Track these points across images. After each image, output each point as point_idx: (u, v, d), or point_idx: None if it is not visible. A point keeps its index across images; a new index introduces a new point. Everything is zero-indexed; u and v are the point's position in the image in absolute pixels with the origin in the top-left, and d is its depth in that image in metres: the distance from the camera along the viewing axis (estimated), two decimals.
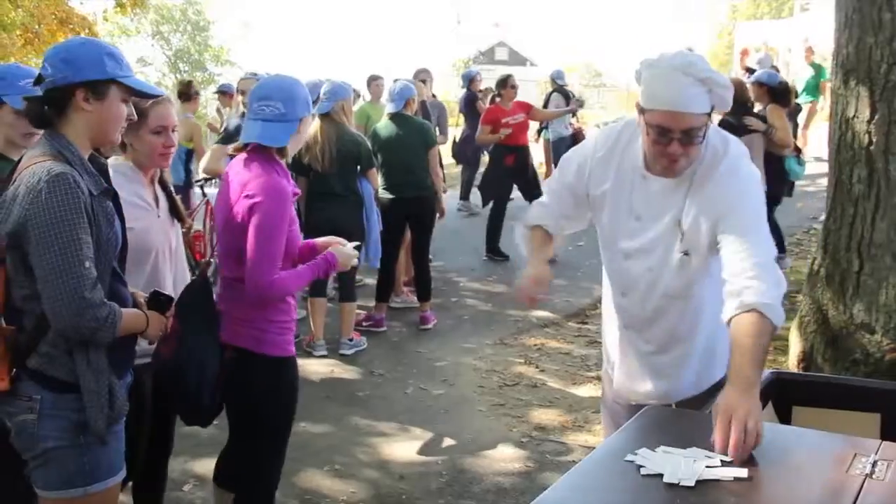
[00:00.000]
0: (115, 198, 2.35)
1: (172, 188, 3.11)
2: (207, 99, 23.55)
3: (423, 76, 8.89)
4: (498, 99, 8.56)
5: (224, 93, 10.82)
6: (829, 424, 2.37)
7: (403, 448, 4.43)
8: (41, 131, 2.30)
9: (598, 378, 5.37)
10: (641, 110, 2.29)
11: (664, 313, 2.49)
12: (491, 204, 8.54)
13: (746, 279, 2.13)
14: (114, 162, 2.80)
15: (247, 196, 2.80)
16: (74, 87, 2.20)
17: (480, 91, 10.85)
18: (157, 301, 2.52)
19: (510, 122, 8.30)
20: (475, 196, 11.65)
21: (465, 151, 10.53)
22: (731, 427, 1.90)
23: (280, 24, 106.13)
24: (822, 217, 4.26)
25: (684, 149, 2.25)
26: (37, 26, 13.30)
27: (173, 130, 2.86)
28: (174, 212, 2.98)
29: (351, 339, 5.96)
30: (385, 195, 6.21)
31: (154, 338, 2.51)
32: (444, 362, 5.81)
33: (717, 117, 2.59)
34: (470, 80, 10.87)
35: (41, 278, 2.12)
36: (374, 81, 8.83)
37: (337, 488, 3.97)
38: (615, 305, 2.62)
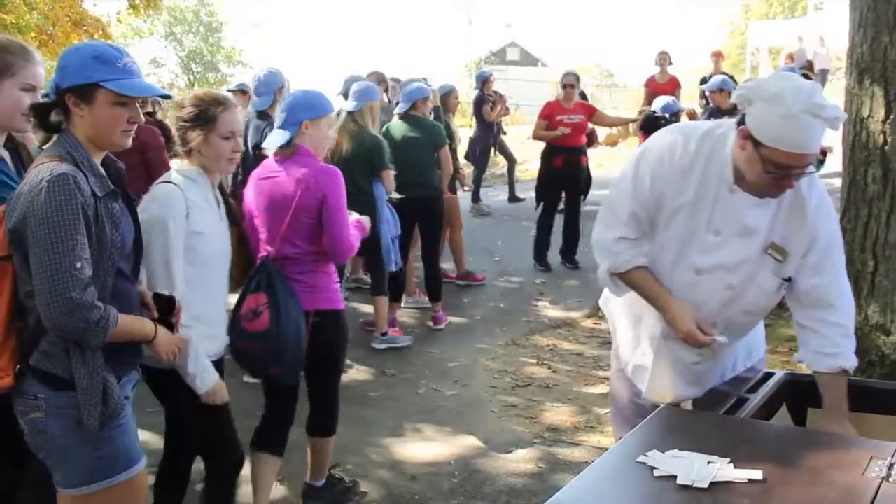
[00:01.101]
0: (126, 199, 2.36)
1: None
2: None
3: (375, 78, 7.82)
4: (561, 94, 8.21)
5: (243, 92, 10.77)
6: (845, 427, 2.36)
7: (416, 448, 4.43)
8: None
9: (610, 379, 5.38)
10: (753, 140, 2.23)
11: (734, 326, 2.53)
12: (540, 208, 8.26)
13: (842, 337, 2.44)
14: (179, 166, 2.87)
15: (310, 186, 3.33)
16: (65, 93, 2.23)
17: (494, 92, 10.74)
18: (162, 301, 2.51)
19: (566, 120, 8.00)
20: (486, 196, 11.68)
21: (474, 151, 10.51)
22: None
23: (292, 24, 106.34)
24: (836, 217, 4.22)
25: (796, 180, 2.28)
26: (51, 28, 13.36)
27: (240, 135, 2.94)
28: (230, 214, 3.03)
29: (384, 334, 5.97)
30: (394, 195, 6.23)
31: (163, 357, 2.44)
32: (456, 363, 5.81)
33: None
34: (483, 81, 10.66)
35: (35, 276, 2.13)
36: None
37: None
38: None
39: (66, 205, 2.11)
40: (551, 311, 7.04)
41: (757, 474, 1.81)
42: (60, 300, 2.10)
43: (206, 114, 2.83)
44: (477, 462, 4.24)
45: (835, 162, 5.23)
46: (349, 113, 5.70)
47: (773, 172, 2.22)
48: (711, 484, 1.78)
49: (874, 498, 1.73)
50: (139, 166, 4.89)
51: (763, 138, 2.20)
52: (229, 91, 7.97)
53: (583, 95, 10.11)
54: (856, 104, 3.91)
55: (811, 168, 2.27)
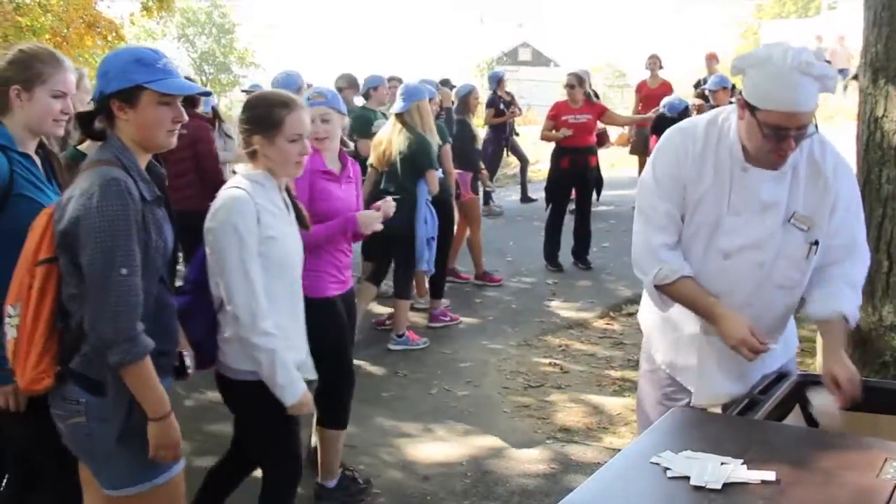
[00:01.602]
0: (166, 205, 2.37)
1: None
2: (233, 101, 23.76)
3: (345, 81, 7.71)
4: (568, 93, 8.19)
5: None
6: (858, 428, 2.34)
7: (428, 449, 4.44)
8: None
9: (623, 379, 5.37)
10: (749, 107, 2.28)
11: (772, 306, 2.54)
12: (549, 209, 8.26)
13: (845, 286, 2.45)
14: (245, 171, 2.77)
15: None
16: (109, 98, 2.24)
17: (507, 93, 10.70)
18: (180, 365, 2.48)
19: (570, 121, 7.99)
20: (498, 197, 11.69)
21: (486, 152, 10.50)
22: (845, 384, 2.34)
23: (304, 25, 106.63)
24: None
25: (797, 143, 2.29)
26: (65, 30, 13.43)
27: (307, 137, 2.83)
28: (299, 218, 2.93)
29: (401, 336, 5.98)
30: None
31: (152, 450, 2.27)
32: (468, 363, 5.81)
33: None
34: (497, 82, 10.51)
35: (86, 280, 2.15)
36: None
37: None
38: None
39: (118, 210, 2.13)
40: (563, 312, 7.03)
41: (770, 475, 1.80)
42: (105, 306, 2.12)
43: (270, 117, 2.73)
44: (489, 462, 4.24)
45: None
46: (397, 114, 5.73)
47: (771, 136, 2.26)
48: (724, 485, 1.77)
49: (889, 500, 1.72)
50: (190, 160, 5.02)
51: (756, 102, 2.25)
52: (243, 91, 7.98)
53: (595, 95, 10.05)
54: (870, 104, 3.89)
55: (811, 129, 2.28)
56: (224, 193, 2.72)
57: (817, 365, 4.49)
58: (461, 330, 6.54)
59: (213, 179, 5.21)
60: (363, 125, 6.60)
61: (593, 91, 9.02)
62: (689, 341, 2.62)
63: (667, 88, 10.32)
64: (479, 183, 8.07)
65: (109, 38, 14.36)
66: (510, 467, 4.19)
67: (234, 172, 2.90)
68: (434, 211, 5.89)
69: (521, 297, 7.41)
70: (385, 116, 6.49)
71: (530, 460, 4.28)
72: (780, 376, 2.54)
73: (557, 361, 5.86)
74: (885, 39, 3.77)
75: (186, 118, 2.37)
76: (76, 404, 2.23)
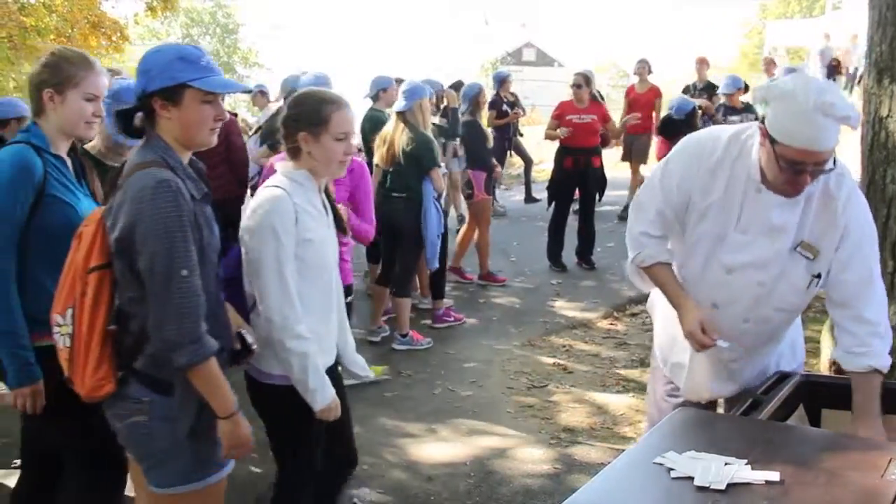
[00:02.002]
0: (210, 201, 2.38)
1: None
2: (236, 101, 23.77)
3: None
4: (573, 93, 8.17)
5: (262, 93, 10.75)
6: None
7: (431, 449, 4.44)
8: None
9: (627, 379, 5.37)
10: (770, 138, 2.27)
11: (768, 323, 2.56)
12: (552, 209, 8.23)
13: (871, 336, 2.41)
14: (285, 169, 2.70)
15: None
16: (151, 96, 2.22)
17: (510, 93, 10.62)
18: (242, 345, 2.50)
19: (575, 120, 7.95)
20: (502, 197, 11.68)
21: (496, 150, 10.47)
22: None
23: (308, 25, 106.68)
24: None
25: (813, 178, 2.29)
26: (70, 30, 13.46)
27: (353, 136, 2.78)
28: (337, 221, 2.86)
29: (405, 335, 5.99)
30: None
31: (229, 449, 2.31)
32: (472, 363, 5.81)
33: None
34: (501, 82, 10.45)
35: (149, 286, 2.14)
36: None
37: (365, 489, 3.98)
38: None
39: (172, 212, 2.11)
40: (567, 312, 7.03)
41: (774, 476, 1.80)
42: (169, 309, 2.12)
43: (318, 113, 2.65)
44: (493, 463, 4.24)
45: (853, 165, 5.20)
46: (399, 113, 5.76)
47: (787, 169, 2.26)
48: (728, 485, 1.77)
49: (894, 500, 1.72)
50: (222, 153, 5.16)
51: (777, 135, 2.25)
52: (246, 92, 7.96)
53: (600, 96, 9.95)
54: (874, 104, 3.89)
55: (829, 165, 2.27)
56: (263, 192, 2.65)
57: (821, 365, 4.48)
58: (465, 330, 6.54)
59: (243, 172, 5.46)
60: (375, 126, 6.61)
61: (598, 92, 8.99)
62: (684, 339, 2.63)
63: (655, 93, 10.19)
64: (493, 183, 8.03)
65: (114, 39, 14.39)
66: (514, 467, 4.19)
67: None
68: (440, 208, 5.90)
69: (525, 298, 7.41)
70: None
71: (534, 460, 4.28)
72: (783, 377, 2.54)
73: (561, 361, 5.86)
74: (890, 39, 3.77)
75: (227, 116, 2.37)
76: (138, 403, 2.24)
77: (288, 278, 2.54)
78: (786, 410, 2.39)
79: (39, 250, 2.53)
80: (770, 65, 13.11)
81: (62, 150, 2.68)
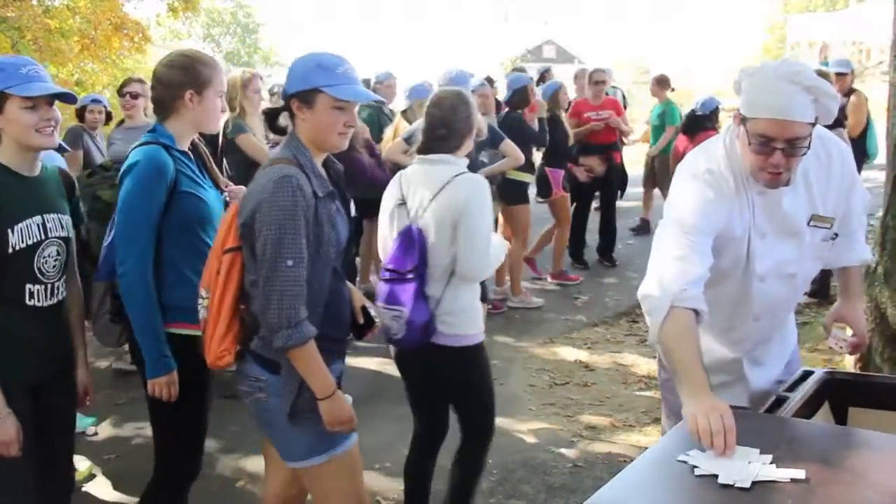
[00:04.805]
0: (342, 199, 2.52)
1: None
2: None
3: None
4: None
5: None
6: (888, 426, 2.31)
7: (453, 447, 4.43)
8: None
9: (649, 376, 5.35)
10: (742, 120, 2.23)
11: (791, 301, 2.62)
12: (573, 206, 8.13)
13: (861, 243, 2.57)
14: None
15: None
16: (290, 98, 2.40)
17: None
18: (367, 315, 2.67)
19: (594, 118, 7.94)
20: None
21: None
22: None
23: (330, 23, 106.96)
24: (880, 213, 4.16)
25: (787, 160, 2.19)
26: (93, 32, 13.57)
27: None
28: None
29: None
30: None
31: (331, 427, 2.41)
32: (494, 361, 5.75)
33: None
34: (553, 94, 10.26)
35: (258, 270, 2.31)
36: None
37: (387, 487, 3.99)
38: (738, 332, 2.55)
39: (288, 205, 2.27)
40: (589, 309, 7.01)
41: (800, 474, 1.79)
42: (272, 294, 2.27)
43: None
44: (515, 460, 4.24)
45: (879, 159, 5.15)
46: (402, 112, 5.88)
47: (759, 149, 2.18)
48: (753, 483, 1.76)
49: None
50: None
51: (747, 111, 2.21)
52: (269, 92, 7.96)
53: (622, 94, 9.78)
54: None
55: (804, 146, 2.18)
56: (464, 176, 3.10)
57: (846, 362, 4.44)
58: (487, 327, 6.51)
59: None
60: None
61: (620, 89, 8.92)
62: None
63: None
64: (573, 175, 7.86)
65: (136, 40, 14.49)
66: (536, 465, 4.19)
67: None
68: None
69: (547, 295, 7.40)
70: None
71: (556, 458, 4.27)
72: (806, 374, 2.52)
73: (583, 359, 5.85)
74: None
75: (358, 123, 2.56)
76: (257, 381, 2.42)
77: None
78: (810, 408, 2.36)
79: (174, 241, 2.70)
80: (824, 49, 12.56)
81: (186, 146, 2.82)
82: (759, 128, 2.17)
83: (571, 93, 8.66)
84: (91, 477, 4.09)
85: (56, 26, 12.87)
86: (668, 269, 2.24)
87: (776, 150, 2.17)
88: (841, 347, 2.70)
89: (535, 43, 56.35)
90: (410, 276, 3.04)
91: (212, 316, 2.41)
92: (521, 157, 5.96)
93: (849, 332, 2.68)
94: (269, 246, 2.27)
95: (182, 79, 2.74)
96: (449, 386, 3.31)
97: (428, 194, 3.08)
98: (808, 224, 2.40)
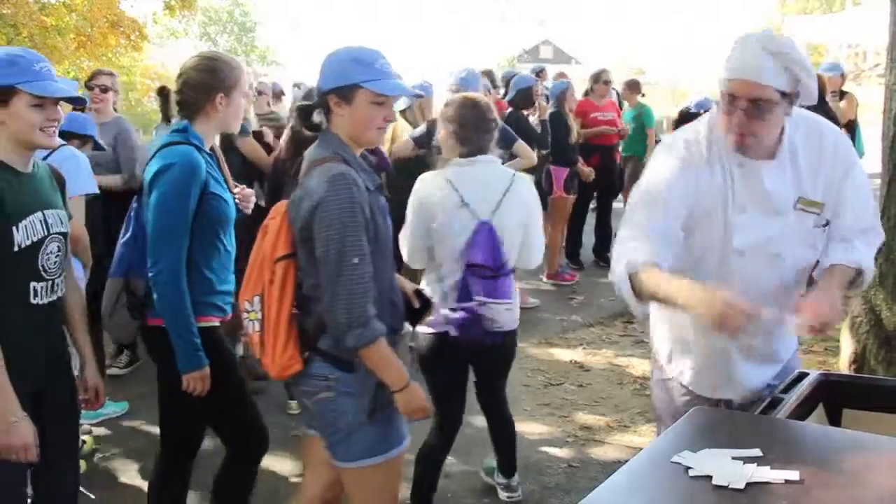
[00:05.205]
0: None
1: None
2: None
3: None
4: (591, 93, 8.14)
5: (260, 93, 10.73)
6: (882, 428, 2.31)
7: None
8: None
9: (644, 377, 5.34)
10: (720, 83, 2.28)
11: (788, 291, 2.45)
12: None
13: (868, 248, 2.39)
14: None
15: None
16: (327, 94, 2.38)
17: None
18: (423, 300, 2.70)
19: (599, 118, 7.93)
20: None
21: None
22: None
23: (326, 23, 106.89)
24: None
25: (749, 121, 2.21)
26: (89, 29, 13.55)
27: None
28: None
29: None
30: None
31: (403, 414, 2.46)
32: None
33: None
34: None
35: (320, 271, 2.30)
36: None
37: None
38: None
39: (346, 203, 2.26)
40: (585, 309, 7.02)
41: (794, 475, 1.79)
42: (339, 294, 2.27)
43: None
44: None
45: (875, 162, 5.17)
46: (401, 111, 5.76)
47: (725, 108, 2.23)
48: (747, 485, 1.76)
49: None
50: None
51: (722, 75, 2.24)
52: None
53: (617, 94, 9.82)
54: (895, 101, 3.86)
55: (769, 110, 2.20)
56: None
57: (840, 364, 4.46)
58: None
59: None
60: None
61: (615, 90, 8.94)
62: (706, 344, 2.58)
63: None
64: (579, 178, 7.77)
65: (132, 37, 14.48)
66: (531, 465, 4.19)
67: None
68: None
69: (543, 295, 7.40)
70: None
71: (551, 459, 4.27)
72: (801, 375, 2.52)
73: (578, 359, 5.85)
74: None
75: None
76: (325, 380, 2.40)
77: None
78: (805, 409, 2.36)
79: (200, 240, 2.73)
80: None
81: (208, 146, 2.85)
82: (727, 88, 2.22)
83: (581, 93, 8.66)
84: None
85: (52, 23, 12.85)
86: (625, 247, 2.36)
87: (738, 110, 2.21)
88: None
89: (532, 43, 56.39)
90: (503, 271, 3.23)
91: (270, 327, 2.38)
92: (534, 158, 5.96)
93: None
94: (332, 246, 2.25)
95: (212, 82, 2.78)
96: (492, 373, 3.67)
97: (495, 195, 3.23)
98: (796, 207, 2.37)
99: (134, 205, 2.89)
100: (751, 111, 2.20)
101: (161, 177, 2.69)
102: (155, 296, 2.70)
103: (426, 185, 3.29)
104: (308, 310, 2.40)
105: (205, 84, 2.78)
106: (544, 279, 7.78)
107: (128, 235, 2.87)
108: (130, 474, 4.06)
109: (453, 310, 3.20)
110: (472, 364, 3.56)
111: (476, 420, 4.01)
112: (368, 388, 2.39)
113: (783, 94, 2.20)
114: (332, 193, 2.25)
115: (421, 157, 5.55)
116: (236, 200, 3.00)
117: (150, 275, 2.70)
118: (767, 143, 2.30)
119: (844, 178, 2.38)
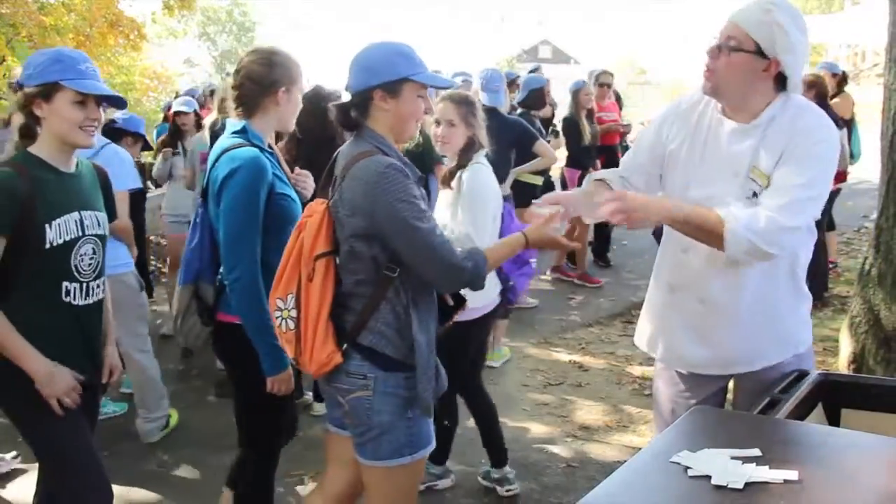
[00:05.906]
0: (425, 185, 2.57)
1: None
2: None
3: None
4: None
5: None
6: (881, 428, 2.32)
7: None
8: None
9: (643, 377, 5.35)
10: None
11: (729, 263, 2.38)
12: None
13: (761, 211, 2.25)
14: None
15: None
16: (372, 90, 2.36)
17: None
18: (455, 299, 2.67)
19: (604, 118, 7.98)
20: None
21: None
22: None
23: (326, 23, 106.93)
24: (874, 215, 4.17)
25: (713, 61, 2.34)
26: (88, 29, 13.52)
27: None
28: None
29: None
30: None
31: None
32: (488, 361, 5.80)
33: None
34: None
35: (413, 260, 2.31)
36: None
37: None
38: (671, 264, 2.61)
39: (401, 191, 2.26)
40: (584, 310, 7.02)
41: (793, 475, 1.79)
42: (447, 268, 2.30)
43: None
44: (508, 460, 4.23)
45: (874, 161, 5.17)
46: None
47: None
48: (746, 484, 1.76)
49: None
50: None
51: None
52: None
53: (616, 95, 9.80)
54: (894, 101, 3.86)
55: (728, 56, 2.30)
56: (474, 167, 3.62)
57: (839, 364, 4.46)
58: None
59: None
60: None
61: (615, 90, 8.93)
62: (665, 303, 2.63)
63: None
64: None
65: (131, 37, 14.45)
66: (529, 465, 4.19)
67: None
68: None
69: (542, 295, 7.40)
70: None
71: (549, 458, 4.27)
72: (800, 375, 2.52)
73: (577, 359, 5.85)
74: None
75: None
76: (363, 379, 2.38)
77: None
78: (804, 409, 2.37)
79: (270, 241, 2.69)
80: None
81: (266, 144, 2.82)
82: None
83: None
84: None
85: (51, 23, 12.82)
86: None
87: (712, 49, 2.34)
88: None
89: (532, 43, 56.41)
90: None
91: (308, 325, 2.37)
92: (555, 157, 5.94)
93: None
94: (397, 222, 2.25)
95: (276, 75, 2.76)
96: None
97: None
98: (748, 174, 2.37)
99: (200, 210, 2.86)
100: (715, 50, 2.32)
101: (229, 181, 2.65)
102: (234, 302, 2.70)
103: (490, 182, 3.60)
104: (348, 307, 2.40)
105: (269, 78, 2.75)
106: (576, 280, 7.76)
107: (194, 241, 2.84)
108: (128, 474, 4.06)
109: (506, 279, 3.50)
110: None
111: (472, 421, 4.01)
112: (405, 388, 2.39)
113: (758, 50, 2.27)
114: (384, 181, 2.26)
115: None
116: (293, 183, 2.94)
117: (226, 282, 2.69)
118: (738, 101, 2.38)
119: (790, 158, 2.30)
